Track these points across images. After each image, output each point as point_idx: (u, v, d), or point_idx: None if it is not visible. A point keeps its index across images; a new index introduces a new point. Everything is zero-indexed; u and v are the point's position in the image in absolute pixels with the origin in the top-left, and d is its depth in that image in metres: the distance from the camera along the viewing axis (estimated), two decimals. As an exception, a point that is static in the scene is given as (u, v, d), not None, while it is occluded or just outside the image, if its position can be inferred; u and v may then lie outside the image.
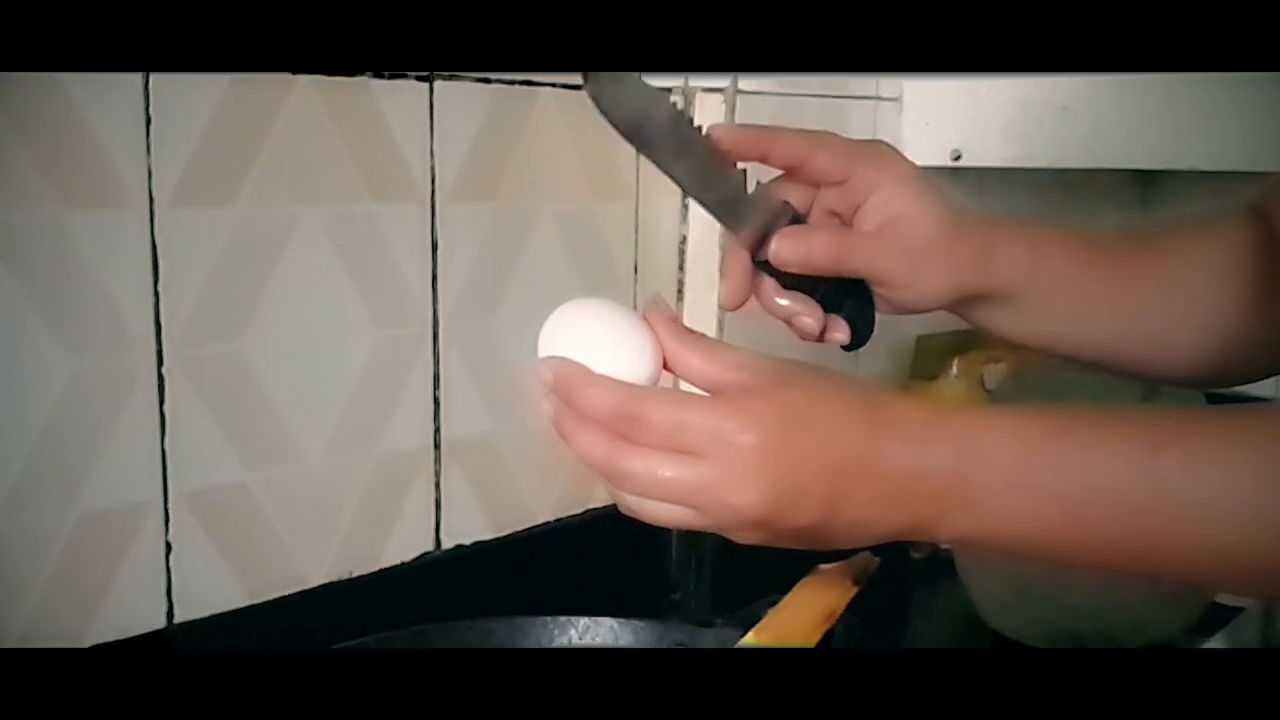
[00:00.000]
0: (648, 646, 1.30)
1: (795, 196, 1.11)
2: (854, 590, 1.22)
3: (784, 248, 1.07)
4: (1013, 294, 1.14)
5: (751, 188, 1.09)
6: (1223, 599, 1.78)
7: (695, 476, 0.89)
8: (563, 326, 0.98)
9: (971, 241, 1.11)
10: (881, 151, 1.12)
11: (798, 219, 1.10)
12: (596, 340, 0.96)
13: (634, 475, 0.91)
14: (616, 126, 1.01)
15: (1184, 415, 0.92)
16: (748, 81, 1.70)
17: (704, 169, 1.05)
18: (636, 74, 1.01)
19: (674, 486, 0.90)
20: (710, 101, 1.72)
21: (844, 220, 1.12)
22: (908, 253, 1.09)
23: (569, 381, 0.93)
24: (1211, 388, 1.32)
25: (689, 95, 1.72)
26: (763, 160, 1.09)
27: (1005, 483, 0.89)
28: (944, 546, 2.02)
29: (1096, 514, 0.87)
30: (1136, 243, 1.21)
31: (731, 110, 1.73)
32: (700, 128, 1.05)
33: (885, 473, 0.90)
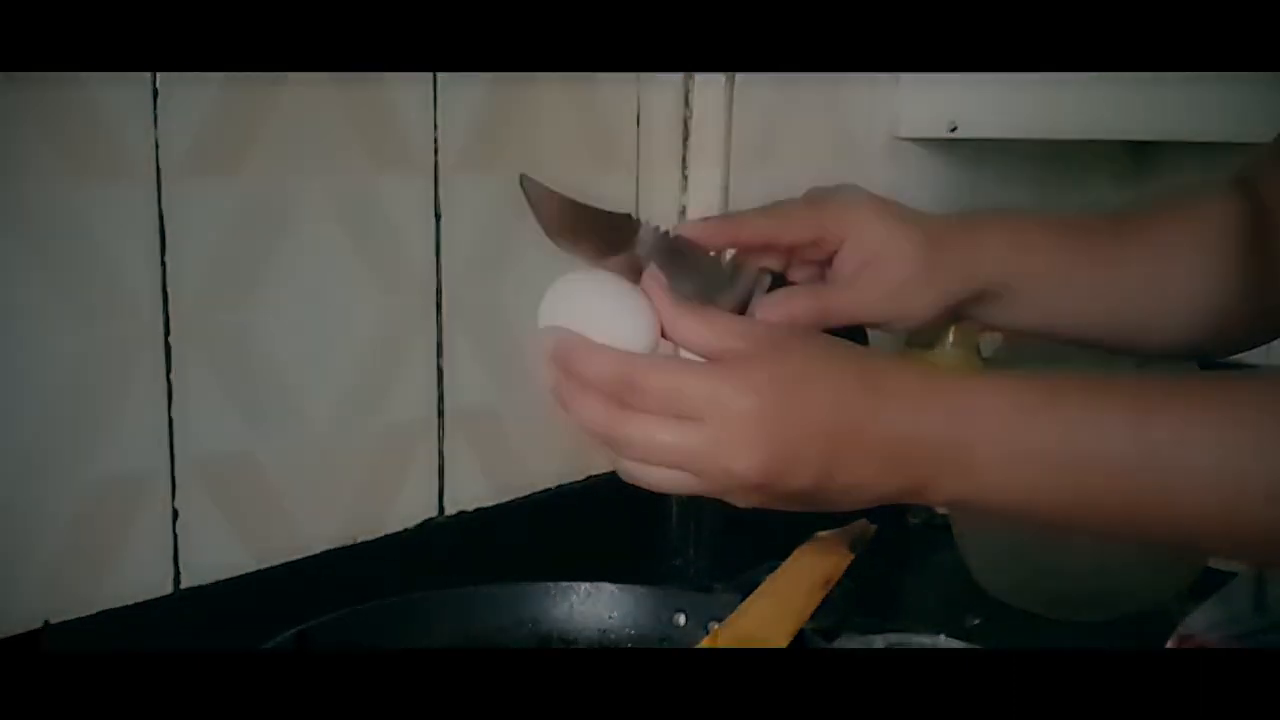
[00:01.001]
0: (648, 611, 1.30)
1: (772, 259, 1.10)
2: (851, 556, 1.22)
3: (767, 316, 1.06)
4: (999, 291, 1.14)
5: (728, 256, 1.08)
6: (1215, 564, 1.78)
7: (693, 442, 0.89)
8: (562, 297, 0.98)
9: (952, 256, 1.11)
10: (845, 199, 1.11)
11: (779, 280, 1.09)
12: (595, 310, 0.96)
13: (633, 441, 0.91)
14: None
15: (1175, 383, 0.92)
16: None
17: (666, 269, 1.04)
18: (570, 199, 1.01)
19: (672, 451, 0.90)
20: (710, 83, 1.73)
21: (823, 270, 1.12)
22: (889, 294, 1.09)
23: (569, 351, 0.93)
24: (1204, 358, 1.31)
25: (689, 78, 1.72)
26: (733, 246, 1.08)
27: (999, 447, 0.89)
28: (939, 510, 2.03)
29: (1089, 478, 0.87)
30: (1120, 226, 1.21)
31: (731, 88, 1.73)
32: (661, 229, 1.04)
33: (881, 437, 0.90)
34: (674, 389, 0.90)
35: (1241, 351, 1.24)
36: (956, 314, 1.15)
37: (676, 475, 0.91)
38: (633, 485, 0.94)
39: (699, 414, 0.89)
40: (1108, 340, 1.21)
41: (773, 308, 1.06)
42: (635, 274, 1.00)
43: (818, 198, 1.10)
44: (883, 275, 1.08)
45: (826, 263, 1.11)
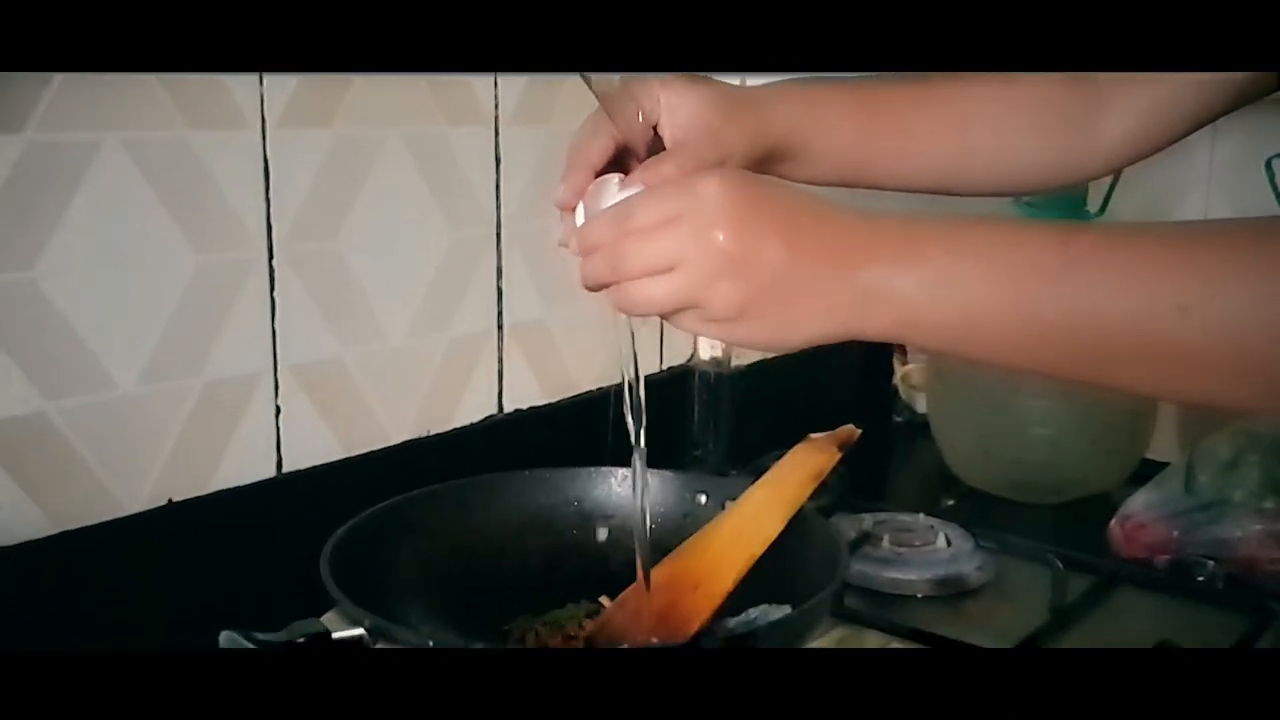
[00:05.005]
0: (674, 492, 1.30)
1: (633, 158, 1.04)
2: (838, 455, 1.22)
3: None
4: (796, 149, 1.08)
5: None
6: (1152, 455, 1.78)
7: (676, 235, 0.86)
8: (589, 196, 0.97)
9: (744, 116, 1.05)
10: (656, 79, 1.04)
11: None
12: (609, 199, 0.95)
13: (629, 257, 0.88)
14: None
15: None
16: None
17: None
18: None
19: (661, 248, 0.87)
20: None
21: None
22: (693, 154, 1.00)
23: (584, 228, 0.93)
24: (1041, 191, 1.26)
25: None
26: (595, 174, 1.01)
27: (943, 245, 0.85)
28: (911, 400, 2.03)
29: (1022, 284, 0.83)
30: (922, 82, 1.15)
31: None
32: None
33: (837, 221, 0.87)
34: (657, 198, 0.88)
35: (1056, 188, 1.21)
36: (780, 175, 1.09)
37: (669, 282, 0.87)
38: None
39: (679, 211, 0.86)
40: (915, 185, 1.16)
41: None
42: None
43: (630, 84, 1.03)
44: (682, 135, 1.02)
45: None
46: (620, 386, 1.04)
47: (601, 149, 1.01)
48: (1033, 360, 0.86)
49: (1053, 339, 0.83)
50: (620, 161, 1.02)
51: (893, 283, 0.85)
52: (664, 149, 1.00)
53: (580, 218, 0.97)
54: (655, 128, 1.02)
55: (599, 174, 1.00)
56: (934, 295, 0.84)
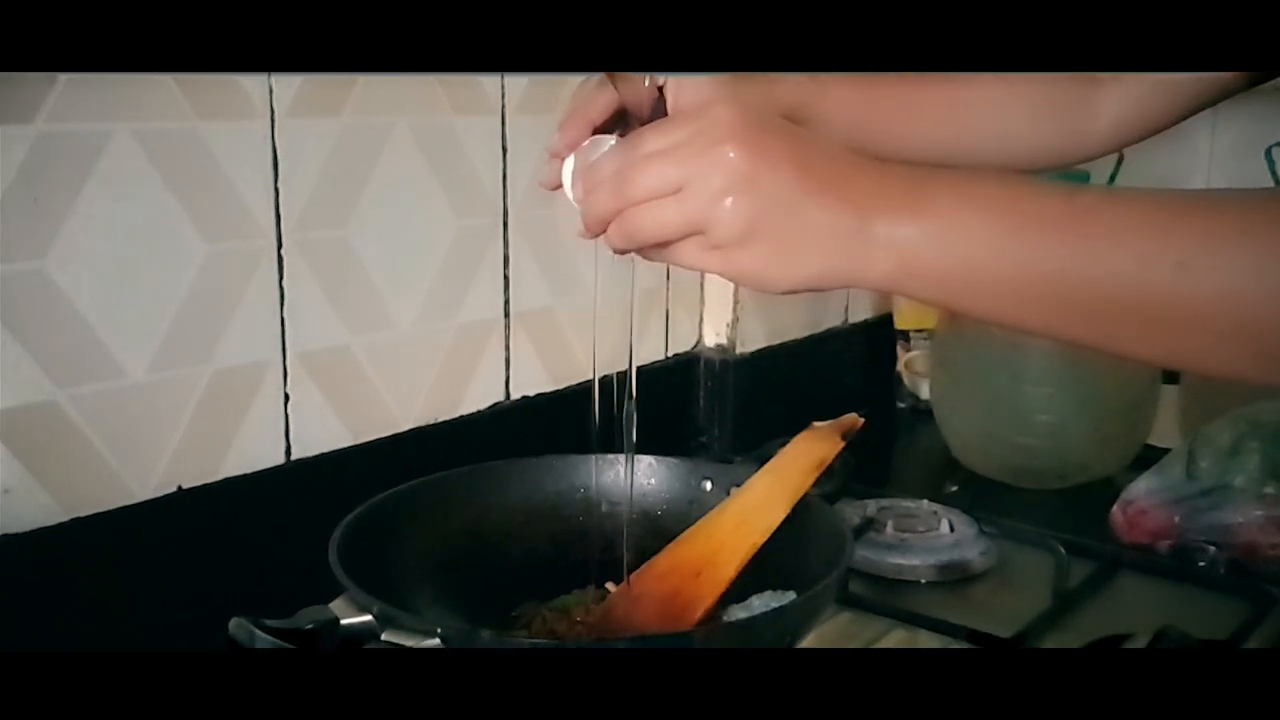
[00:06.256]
0: (680, 479, 1.30)
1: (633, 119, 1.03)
2: (841, 444, 1.22)
3: None
4: (804, 119, 1.06)
5: None
6: (1153, 441, 1.78)
7: (686, 152, 0.85)
8: (584, 153, 0.97)
9: (754, 83, 1.02)
10: None
11: None
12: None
13: (636, 181, 0.86)
14: None
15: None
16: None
17: None
18: None
19: (669, 167, 0.85)
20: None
21: None
22: (695, 103, 0.97)
23: (590, 165, 0.91)
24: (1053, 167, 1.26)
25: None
26: (593, 129, 1.01)
27: (949, 193, 0.84)
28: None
29: (1026, 232, 0.83)
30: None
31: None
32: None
33: (846, 161, 0.87)
34: (666, 126, 0.87)
35: (1055, 167, 1.21)
36: None
37: (676, 202, 0.85)
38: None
39: (688, 135, 0.85)
40: (915, 154, 1.13)
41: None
42: None
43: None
44: (688, 104, 0.98)
45: None
46: (618, 375, 1.03)
47: (604, 107, 1.01)
48: (1031, 314, 0.86)
49: (1052, 291, 0.83)
50: (620, 120, 1.02)
51: (897, 229, 0.84)
52: (666, 114, 0.99)
53: (568, 172, 0.97)
54: (661, 89, 1.01)
55: (596, 131, 1.00)
56: (937, 243, 0.84)
